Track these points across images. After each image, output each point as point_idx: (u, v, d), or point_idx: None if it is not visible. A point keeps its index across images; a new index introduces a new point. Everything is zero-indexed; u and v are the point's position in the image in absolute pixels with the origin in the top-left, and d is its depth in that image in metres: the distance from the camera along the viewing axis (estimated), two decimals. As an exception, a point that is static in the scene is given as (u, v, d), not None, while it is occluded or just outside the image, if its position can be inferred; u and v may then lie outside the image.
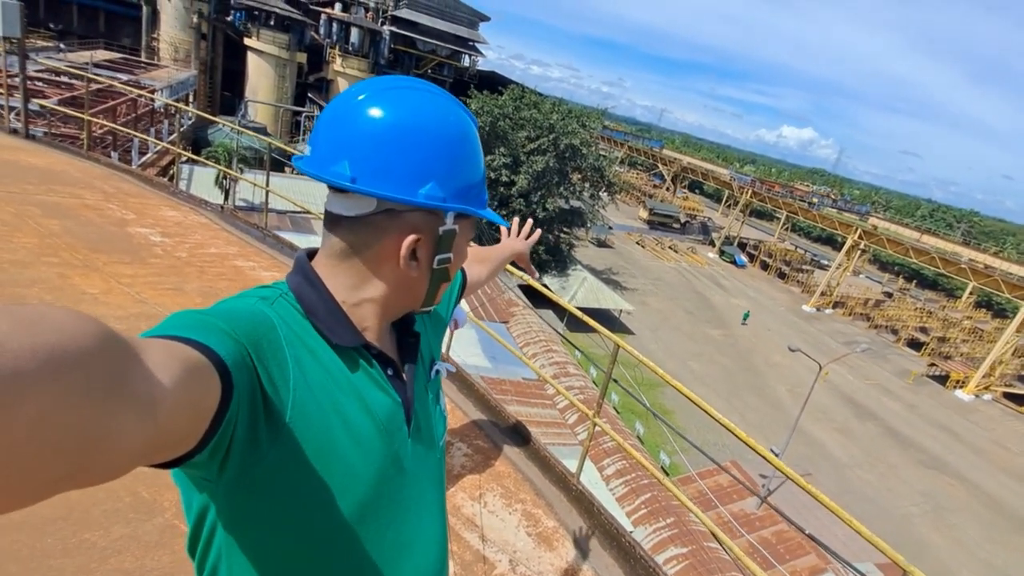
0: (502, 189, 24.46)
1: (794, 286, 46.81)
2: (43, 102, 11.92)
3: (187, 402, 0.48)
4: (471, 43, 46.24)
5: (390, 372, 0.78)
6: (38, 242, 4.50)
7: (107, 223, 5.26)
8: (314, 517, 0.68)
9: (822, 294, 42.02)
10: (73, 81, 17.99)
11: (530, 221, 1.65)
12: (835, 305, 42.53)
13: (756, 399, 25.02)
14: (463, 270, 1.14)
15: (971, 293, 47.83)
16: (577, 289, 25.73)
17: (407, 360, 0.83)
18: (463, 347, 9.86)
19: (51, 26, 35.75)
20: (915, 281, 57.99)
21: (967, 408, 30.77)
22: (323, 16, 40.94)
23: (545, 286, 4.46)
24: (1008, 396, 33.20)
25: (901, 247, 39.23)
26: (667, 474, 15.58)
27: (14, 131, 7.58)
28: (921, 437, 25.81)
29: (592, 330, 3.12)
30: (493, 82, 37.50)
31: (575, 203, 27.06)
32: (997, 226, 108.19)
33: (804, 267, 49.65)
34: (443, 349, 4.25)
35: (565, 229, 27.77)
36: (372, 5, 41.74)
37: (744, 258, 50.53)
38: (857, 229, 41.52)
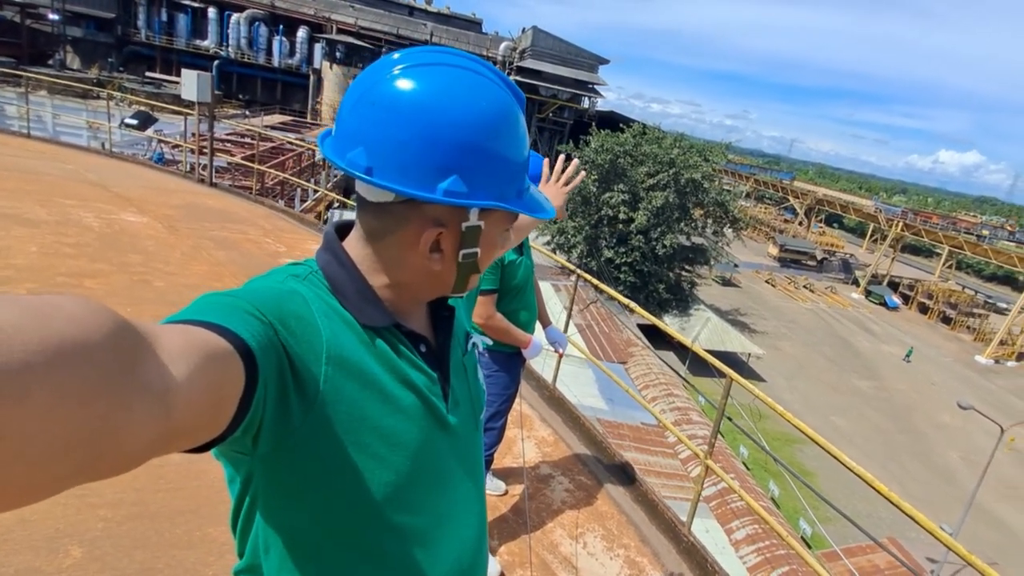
0: (620, 226, 24.12)
1: (963, 333, 40.47)
2: (228, 158, 14.02)
3: (206, 391, 0.46)
4: (591, 86, 47.16)
5: (423, 348, 0.76)
6: (208, 269, 5.20)
7: (263, 254, 6.03)
8: (350, 489, 0.66)
9: (1001, 343, 35.79)
10: (252, 142, 21.08)
11: (575, 162, 1.30)
12: (1019, 357, 35.99)
13: (919, 466, 21.59)
14: None
15: None
16: (700, 330, 24.29)
17: (441, 335, 0.82)
18: (579, 386, 9.59)
19: (240, 97, 43.76)
20: None
21: None
22: (457, 72, 44.23)
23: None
24: None
25: (1110, 289, 32.54)
26: (808, 547, 13.76)
27: (201, 180, 9.05)
28: None
29: (719, 375, 2.81)
30: (612, 121, 37.69)
31: (697, 240, 25.92)
32: None
33: (975, 310, 42.72)
34: (549, 378, 4.12)
35: (687, 267, 26.61)
36: (500, 58, 44.43)
37: (896, 299, 44.77)
38: (1046, 267, 35.22)
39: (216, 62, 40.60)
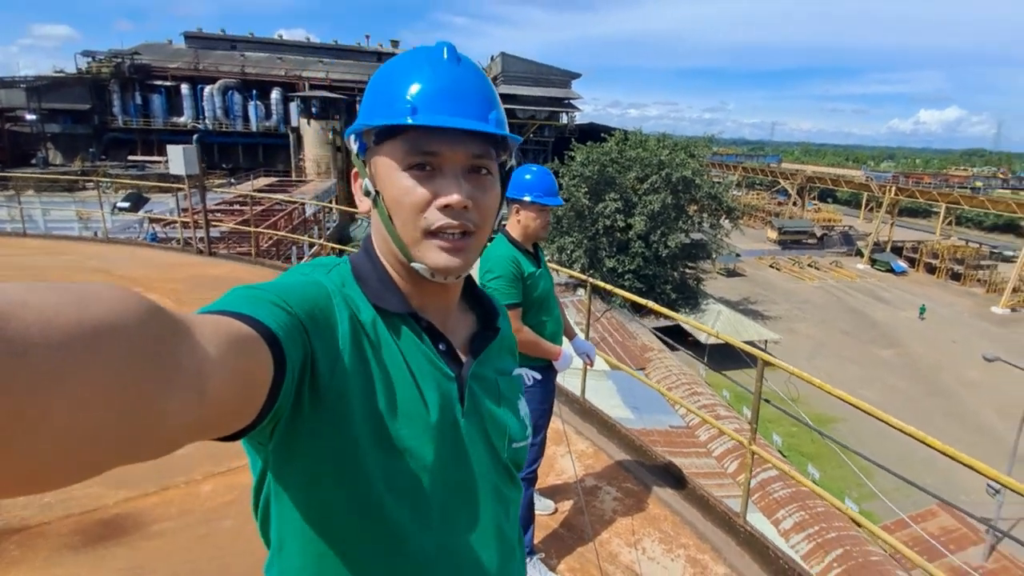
0: (619, 234, 24.23)
1: (975, 286, 40.18)
2: (222, 227, 14.31)
3: (236, 375, 0.47)
4: (566, 101, 47.92)
5: (442, 347, 0.76)
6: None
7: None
8: (351, 484, 0.65)
9: (1014, 290, 35.52)
10: (243, 208, 21.45)
11: None
12: (1036, 302, 35.66)
13: (954, 426, 21.26)
14: None
15: None
16: (713, 324, 24.20)
17: (476, 346, 0.81)
18: (602, 398, 9.56)
19: (224, 166, 44.46)
20: None
21: None
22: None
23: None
24: None
25: (1114, 221, 32.34)
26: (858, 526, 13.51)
27: (200, 252, 9.16)
28: None
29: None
30: (593, 133, 38.23)
31: (696, 235, 26.01)
32: None
33: (983, 263, 42.47)
34: (575, 391, 4.15)
35: (690, 264, 26.66)
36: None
37: (903, 264, 44.59)
38: (1046, 209, 35.09)
39: (195, 135, 41.39)
